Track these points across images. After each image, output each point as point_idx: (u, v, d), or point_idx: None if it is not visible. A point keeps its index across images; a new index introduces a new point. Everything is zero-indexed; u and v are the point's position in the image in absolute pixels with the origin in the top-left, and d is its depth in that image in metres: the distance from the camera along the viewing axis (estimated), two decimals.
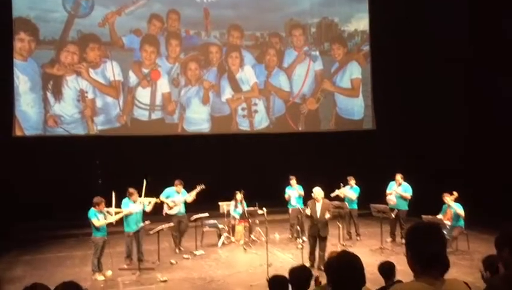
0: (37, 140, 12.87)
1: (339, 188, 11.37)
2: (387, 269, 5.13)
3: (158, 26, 14.07)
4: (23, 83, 12.85)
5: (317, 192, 9.12)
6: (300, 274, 4.30)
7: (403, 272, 4.65)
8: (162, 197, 10.48)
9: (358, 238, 11.40)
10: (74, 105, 13.29)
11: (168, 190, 10.61)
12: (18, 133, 12.75)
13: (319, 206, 8.98)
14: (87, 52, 13.40)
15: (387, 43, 14.81)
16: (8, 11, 12.67)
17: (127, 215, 9.38)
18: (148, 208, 9.82)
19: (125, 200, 9.51)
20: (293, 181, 11.47)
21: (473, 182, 11.80)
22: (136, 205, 9.49)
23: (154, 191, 10.24)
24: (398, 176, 10.90)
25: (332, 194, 11.19)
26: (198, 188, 10.76)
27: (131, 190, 9.54)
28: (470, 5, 12.67)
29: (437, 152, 13.50)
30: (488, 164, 12.22)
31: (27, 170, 12.45)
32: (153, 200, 10.01)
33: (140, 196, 9.67)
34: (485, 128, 12.49)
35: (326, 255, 8.49)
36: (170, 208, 10.49)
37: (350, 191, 11.32)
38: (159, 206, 10.32)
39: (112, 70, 13.58)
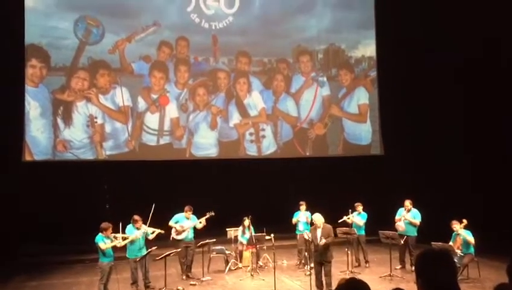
0: (46, 165, 12.96)
1: (347, 215, 11.28)
2: None
3: (167, 52, 14.27)
4: (33, 108, 13.03)
5: (317, 219, 9.07)
6: None
7: None
8: (171, 222, 10.45)
9: (367, 265, 11.26)
10: (83, 130, 13.42)
11: (177, 216, 10.58)
12: (28, 158, 12.86)
13: (319, 232, 8.91)
14: (97, 78, 13.59)
15: (394, 68, 14.89)
16: (21, 38, 12.93)
17: (131, 242, 9.34)
18: (151, 237, 9.76)
19: (129, 227, 9.50)
20: (303, 207, 11.39)
21: (482, 208, 11.69)
22: (139, 231, 9.46)
23: (161, 217, 10.18)
24: (407, 202, 10.80)
25: (340, 221, 11.11)
26: (208, 215, 10.70)
27: (136, 217, 9.52)
28: (476, 27, 12.70)
29: (446, 178, 13.41)
30: (498, 190, 12.11)
31: (36, 194, 12.50)
32: (157, 231, 9.89)
33: (145, 222, 9.63)
34: (495, 154, 12.43)
35: (333, 280, 8.40)
36: (178, 233, 10.44)
37: (357, 218, 11.24)
38: (166, 232, 10.26)
39: (121, 96, 13.74)
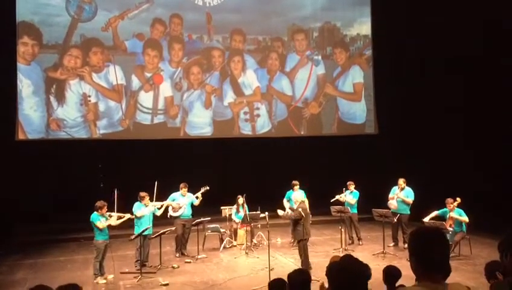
0: (40, 144, 12.90)
1: (341, 193, 11.34)
2: (391, 274, 5.11)
3: (161, 30, 14.12)
4: (26, 86, 12.90)
5: (295, 196, 9.30)
6: (297, 278, 4.30)
7: (405, 276, 4.65)
8: (168, 201, 10.50)
9: (360, 242, 11.37)
10: (77, 109, 13.33)
11: (173, 195, 10.64)
12: (21, 136, 12.79)
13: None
14: (90, 56, 13.45)
15: (389, 47, 14.83)
16: (12, 15, 12.73)
17: (139, 218, 9.39)
18: (159, 212, 9.85)
19: (137, 204, 9.53)
20: (297, 187, 11.39)
21: (475, 186, 11.79)
22: (148, 208, 9.51)
23: (158, 195, 10.24)
24: (401, 181, 10.87)
25: (332, 200, 11.19)
26: (203, 189, 10.78)
27: (142, 193, 9.58)
28: (473, 6, 12.62)
29: (439, 156, 13.49)
30: (490, 168, 12.20)
31: (29, 173, 12.48)
32: (165, 202, 10.09)
33: (151, 199, 9.70)
34: (488, 132, 12.48)
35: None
36: (175, 210, 10.50)
37: (349, 196, 11.30)
38: (163, 210, 10.31)
39: (114, 74, 13.62)
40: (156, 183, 9.70)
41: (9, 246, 11.39)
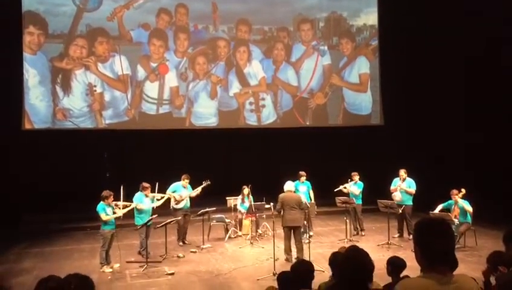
0: (46, 133, 12.96)
1: (346, 184, 11.35)
2: (396, 265, 5.12)
3: (166, 20, 14.08)
4: (32, 76, 12.94)
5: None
6: (300, 268, 4.34)
7: (410, 267, 4.66)
8: (169, 191, 10.55)
9: (362, 233, 11.38)
10: (83, 99, 13.36)
11: (174, 185, 10.67)
12: (27, 126, 12.85)
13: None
14: (95, 46, 13.45)
15: (396, 37, 14.72)
16: (18, 4, 12.75)
17: (140, 209, 9.45)
18: (157, 204, 9.89)
19: (138, 194, 9.59)
20: (303, 178, 11.36)
21: (480, 177, 11.76)
22: (148, 199, 9.57)
23: (160, 185, 10.29)
24: (402, 171, 10.84)
25: (336, 189, 11.20)
26: (204, 184, 10.80)
27: (145, 184, 9.65)
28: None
29: (444, 147, 13.45)
30: (496, 159, 12.15)
31: (36, 163, 12.56)
32: (166, 196, 10.14)
33: (153, 191, 9.77)
34: (493, 124, 12.41)
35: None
36: (177, 202, 10.55)
37: (354, 187, 11.29)
38: (167, 201, 10.38)
39: (120, 65, 13.63)
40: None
41: (16, 234, 11.49)
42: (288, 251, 9.16)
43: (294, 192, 10.35)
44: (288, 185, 9.48)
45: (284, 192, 9.30)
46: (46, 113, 13.05)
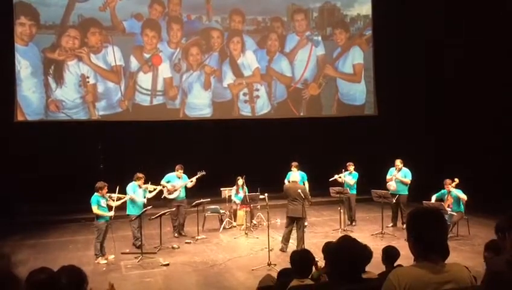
0: (39, 125, 12.89)
1: (340, 174, 11.38)
2: (390, 254, 5.16)
3: (159, 10, 13.98)
4: (24, 67, 12.84)
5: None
6: (299, 257, 4.38)
7: (404, 256, 4.70)
8: (163, 182, 10.54)
9: (353, 223, 11.43)
10: (76, 90, 13.28)
11: (168, 175, 10.65)
12: (20, 118, 12.77)
13: None
14: (88, 36, 13.34)
15: (389, 28, 14.71)
16: None
17: (133, 199, 9.44)
18: (149, 195, 9.86)
19: (131, 184, 9.57)
20: (295, 168, 11.38)
21: (472, 167, 11.83)
22: (141, 190, 9.57)
23: (155, 176, 10.28)
24: (398, 161, 10.88)
25: (331, 179, 11.24)
26: (199, 174, 10.79)
27: (139, 174, 9.64)
28: None
29: (438, 137, 13.50)
30: (488, 148, 12.23)
31: (29, 154, 12.48)
32: (158, 188, 10.11)
33: (146, 182, 9.77)
34: (486, 114, 12.47)
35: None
36: (170, 192, 10.53)
37: (349, 177, 11.33)
38: (159, 191, 10.36)
39: (113, 55, 13.54)
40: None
41: (11, 226, 11.45)
42: (284, 239, 9.20)
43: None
44: (293, 176, 9.56)
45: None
46: (39, 105, 12.97)
